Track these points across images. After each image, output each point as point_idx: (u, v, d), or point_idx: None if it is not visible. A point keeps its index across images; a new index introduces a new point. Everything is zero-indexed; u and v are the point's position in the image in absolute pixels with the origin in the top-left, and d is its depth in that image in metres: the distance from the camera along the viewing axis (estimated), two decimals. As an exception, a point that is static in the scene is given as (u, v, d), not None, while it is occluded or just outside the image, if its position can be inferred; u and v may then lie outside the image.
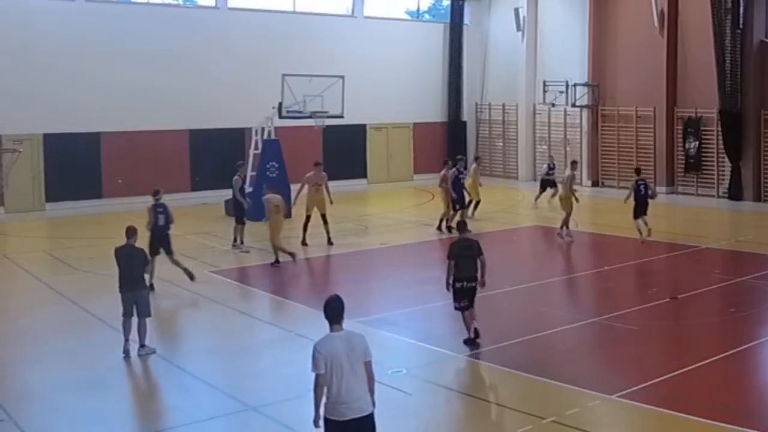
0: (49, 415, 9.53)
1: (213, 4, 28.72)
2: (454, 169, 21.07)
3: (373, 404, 6.89)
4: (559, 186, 22.07)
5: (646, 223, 19.18)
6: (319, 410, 6.80)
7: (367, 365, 6.84)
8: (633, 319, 12.77)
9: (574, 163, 21.71)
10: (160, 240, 14.99)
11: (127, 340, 11.44)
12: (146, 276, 11.68)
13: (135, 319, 11.40)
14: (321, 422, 6.80)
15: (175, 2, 29.47)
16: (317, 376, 6.72)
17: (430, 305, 14.42)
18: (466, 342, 11.54)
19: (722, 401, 9.43)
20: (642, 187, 19.44)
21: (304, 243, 19.25)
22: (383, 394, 10.01)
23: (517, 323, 13.22)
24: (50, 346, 11.98)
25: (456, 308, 11.68)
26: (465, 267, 11.54)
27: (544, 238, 21.52)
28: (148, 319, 11.41)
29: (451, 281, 11.59)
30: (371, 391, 6.87)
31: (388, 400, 9.86)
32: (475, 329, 11.57)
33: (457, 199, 20.87)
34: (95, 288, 15.33)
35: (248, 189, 22.89)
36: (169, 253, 15.07)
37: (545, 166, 26.52)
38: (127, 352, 11.32)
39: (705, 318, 13.27)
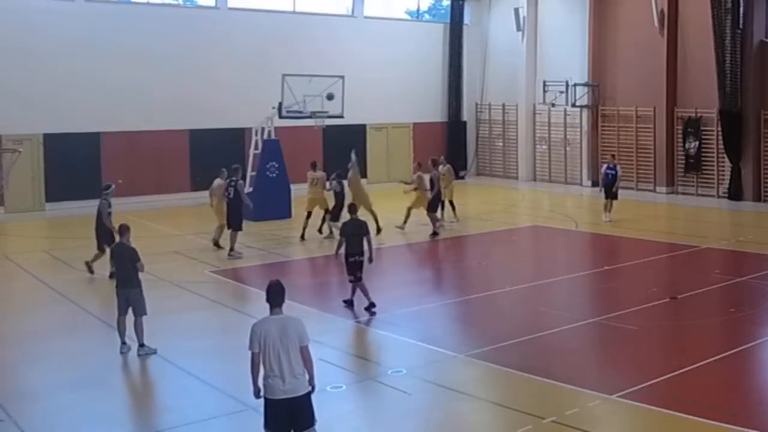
0: (49, 415, 9.52)
1: (213, 4, 28.71)
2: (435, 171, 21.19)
3: (312, 387, 7.33)
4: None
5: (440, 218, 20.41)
6: (257, 384, 7.30)
7: (304, 350, 7.21)
8: (633, 319, 12.77)
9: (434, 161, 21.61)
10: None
11: (122, 338, 11.46)
12: (140, 274, 11.68)
13: (132, 318, 11.42)
14: (261, 394, 7.29)
15: (175, 2, 29.46)
16: (252, 354, 7.22)
17: (430, 305, 14.43)
18: (367, 308, 13.36)
19: (722, 401, 9.43)
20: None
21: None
22: (383, 394, 10.07)
23: (517, 323, 13.21)
24: (50, 346, 11.96)
25: (350, 281, 13.53)
26: (354, 244, 13.41)
27: (544, 238, 21.53)
28: (145, 318, 11.38)
29: (341, 253, 13.50)
30: (310, 374, 7.29)
31: (388, 400, 9.89)
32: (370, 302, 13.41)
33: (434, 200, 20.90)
34: (95, 288, 15.35)
35: (248, 189, 22.93)
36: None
37: (603, 167, 23.22)
38: (123, 351, 11.34)
39: (705, 318, 13.27)
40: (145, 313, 11.45)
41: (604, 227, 21.71)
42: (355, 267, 13.42)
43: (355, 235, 13.47)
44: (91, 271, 16.10)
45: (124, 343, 11.45)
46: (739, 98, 25.40)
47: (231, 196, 18.28)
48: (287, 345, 7.13)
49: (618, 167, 22.73)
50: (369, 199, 20.56)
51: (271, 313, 7.29)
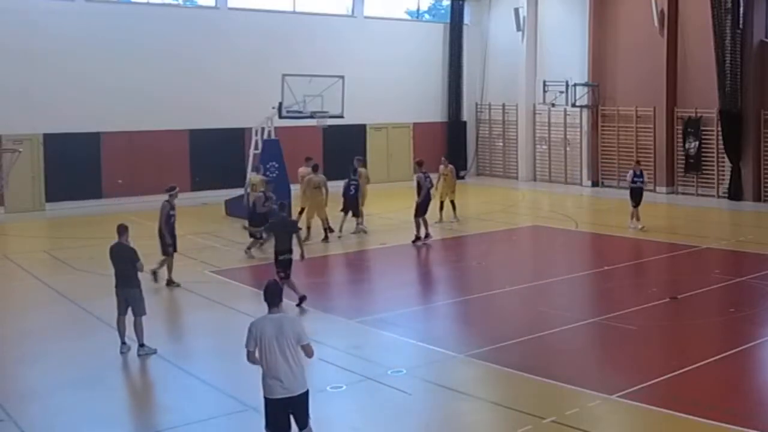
0: (49, 415, 9.52)
1: (213, 4, 28.71)
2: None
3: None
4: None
5: (425, 222, 19.41)
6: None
7: (305, 348, 7.30)
8: (633, 319, 12.77)
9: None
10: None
11: (122, 338, 11.47)
12: (139, 274, 11.68)
13: (132, 318, 11.44)
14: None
15: (175, 2, 29.45)
16: (247, 352, 7.33)
17: (430, 305, 14.44)
18: (299, 304, 13.43)
19: (722, 401, 9.43)
20: (428, 180, 19.69)
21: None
22: (383, 394, 10.07)
23: (517, 323, 13.22)
24: (50, 346, 11.97)
25: (280, 277, 13.10)
26: (283, 241, 13.57)
27: (544, 238, 21.52)
28: (145, 319, 11.38)
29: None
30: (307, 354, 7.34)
31: (388, 400, 9.89)
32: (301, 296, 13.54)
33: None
34: (95, 288, 15.31)
35: (248, 189, 22.87)
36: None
37: (629, 174, 21.61)
38: (123, 351, 11.36)
39: (705, 318, 13.28)
40: (145, 313, 11.45)
41: (604, 227, 21.70)
42: (283, 265, 13.52)
43: (284, 233, 13.67)
44: (156, 280, 15.13)
45: (123, 343, 11.45)
46: (739, 98, 25.39)
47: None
48: (283, 344, 7.16)
49: (644, 173, 21.82)
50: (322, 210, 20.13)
51: (269, 312, 7.33)
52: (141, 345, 11.34)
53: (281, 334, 7.16)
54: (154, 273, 15.16)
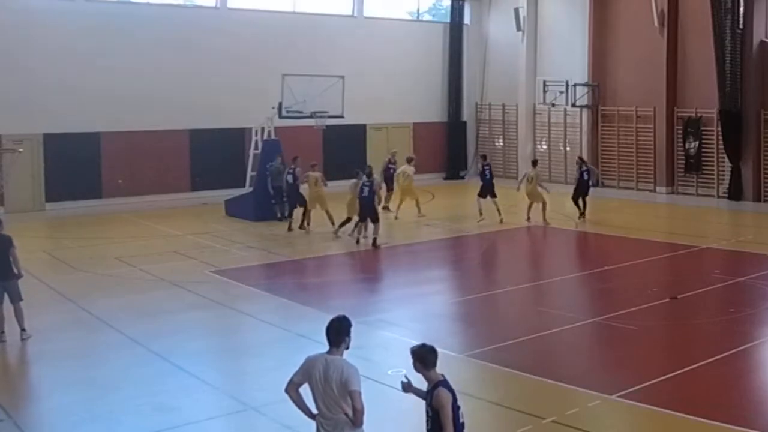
0: (49, 415, 9.53)
1: (213, 4, 28.71)
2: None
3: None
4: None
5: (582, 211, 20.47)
6: (306, 410, 6.53)
7: (351, 396, 6.27)
8: (633, 319, 12.77)
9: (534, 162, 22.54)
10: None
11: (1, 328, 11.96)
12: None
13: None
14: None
15: (175, 2, 29.42)
16: (289, 381, 6.49)
17: (430, 305, 14.43)
18: None
19: (722, 401, 9.43)
20: (585, 173, 20.64)
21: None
22: (384, 394, 10.06)
23: (517, 323, 13.22)
24: (50, 346, 11.97)
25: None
26: None
27: (544, 238, 21.53)
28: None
29: None
30: (354, 423, 6.29)
31: (389, 400, 9.88)
32: None
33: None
34: (95, 288, 15.34)
35: (249, 189, 22.92)
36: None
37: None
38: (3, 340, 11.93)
39: (705, 318, 13.28)
40: (21, 299, 12.07)
41: (604, 227, 21.68)
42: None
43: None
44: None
45: (1, 330, 12.03)
46: (739, 98, 25.39)
47: (365, 194, 18.73)
48: (326, 391, 6.28)
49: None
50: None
51: (328, 351, 6.47)
52: (23, 329, 11.97)
53: (327, 379, 6.26)
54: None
